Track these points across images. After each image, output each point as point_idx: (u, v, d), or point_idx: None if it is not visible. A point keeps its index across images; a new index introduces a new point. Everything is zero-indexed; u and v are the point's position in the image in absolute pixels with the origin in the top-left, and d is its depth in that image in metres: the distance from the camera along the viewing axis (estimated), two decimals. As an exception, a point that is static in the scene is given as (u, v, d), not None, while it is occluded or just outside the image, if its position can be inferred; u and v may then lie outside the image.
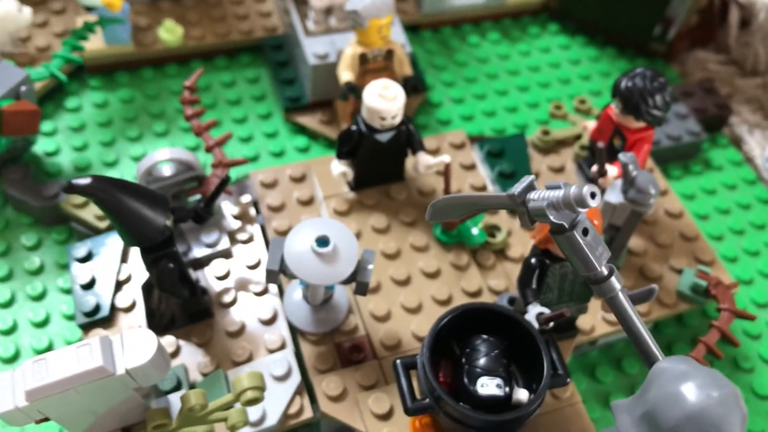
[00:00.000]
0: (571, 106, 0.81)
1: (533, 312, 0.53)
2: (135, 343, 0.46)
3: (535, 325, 0.52)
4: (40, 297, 0.65)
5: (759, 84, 0.88)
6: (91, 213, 0.67)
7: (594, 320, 0.61)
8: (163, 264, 0.54)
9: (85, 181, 0.48)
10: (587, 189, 0.34)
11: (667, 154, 0.78)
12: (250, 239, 0.65)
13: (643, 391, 0.35)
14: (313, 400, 0.57)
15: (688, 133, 0.79)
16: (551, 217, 0.36)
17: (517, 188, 0.37)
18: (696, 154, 0.81)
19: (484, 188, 0.70)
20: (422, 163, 0.64)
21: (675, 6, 0.84)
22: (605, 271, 0.37)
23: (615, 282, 0.38)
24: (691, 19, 0.86)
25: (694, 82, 0.84)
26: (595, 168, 0.62)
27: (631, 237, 0.63)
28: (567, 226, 0.36)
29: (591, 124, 0.68)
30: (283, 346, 0.59)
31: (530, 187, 0.37)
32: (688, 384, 0.33)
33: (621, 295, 0.38)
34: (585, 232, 0.36)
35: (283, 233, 0.65)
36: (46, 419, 0.47)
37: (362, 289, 0.55)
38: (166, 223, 0.52)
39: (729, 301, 0.62)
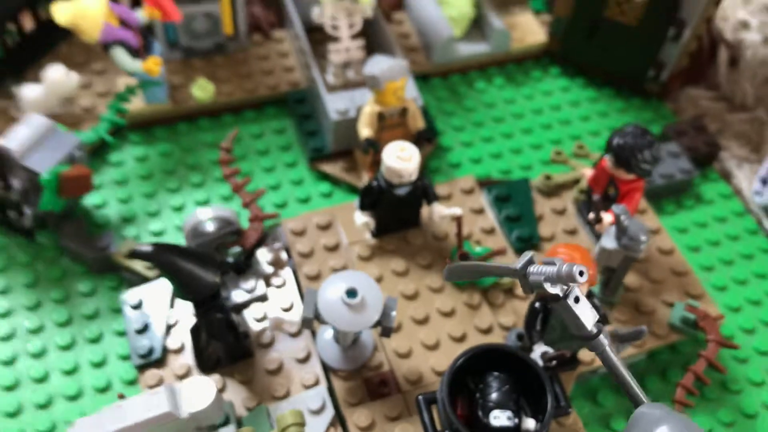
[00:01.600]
0: (570, 148, 0.88)
1: (538, 351, 0.60)
2: (196, 389, 0.54)
3: (540, 363, 0.60)
4: (96, 340, 0.73)
5: (747, 119, 0.95)
6: (140, 263, 0.75)
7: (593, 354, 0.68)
8: (212, 315, 0.62)
9: (146, 248, 0.56)
10: (576, 268, 0.41)
11: (661, 191, 0.85)
12: (283, 284, 0.73)
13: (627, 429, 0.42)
14: (345, 431, 0.64)
15: (680, 170, 0.86)
16: (548, 289, 0.43)
17: (519, 263, 0.44)
18: (688, 189, 0.87)
19: (492, 230, 0.77)
20: (437, 214, 0.72)
21: (667, 51, 0.91)
22: (594, 331, 0.45)
23: (603, 339, 0.45)
24: (683, 61, 0.93)
25: (686, 122, 0.91)
26: (591, 215, 0.69)
27: (626, 276, 0.70)
28: (561, 296, 0.43)
29: (588, 171, 0.75)
30: (317, 383, 0.66)
31: (530, 262, 0.44)
32: (661, 428, 0.40)
33: (608, 350, 0.45)
34: (576, 300, 0.43)
35: (313, 278, 0.72)
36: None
37: (387, 333, 0.62)
38: (215, 279, 0.60)
39: (715, 333, 0.69)
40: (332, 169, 0.86)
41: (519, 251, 0.75)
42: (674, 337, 0.71)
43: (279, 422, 0.57)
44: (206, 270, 0.59)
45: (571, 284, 0.43)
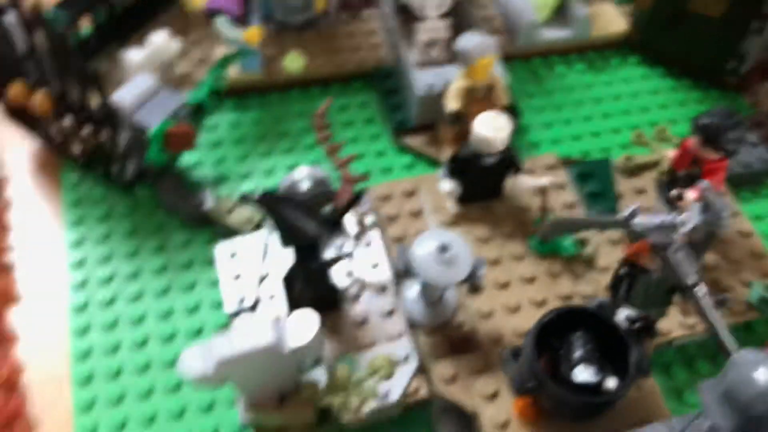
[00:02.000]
0: (650, 132, 0.90)
1: (623, 314, 0.63)
2: (299, 323, 0.57)
3: (625, 325, 0.62)
4: (190, 287, 0.77)
5: (826, 115, 0.96)
6: (234, 218, 0.79)
7: (671, 324, 0.70)
8: (310, 262, 0.65)
9: (259, 195, 0.60)
10: (680, 218, 0.44)
11: (739, 180, 0.86)
12: (369, 244, 0.76)
13: (723, 375, 0.44)
14: (428, 383, 0.67)
15: (758, 160, 0.87)
16: (651, 237, 0.46)
17: (624, 214, 0.47)
18: (765, 179, 0.89)
19: (574, 205, 0.79)
20: (524, 184, 0.74)
21: (748, 44, 0.92)
22: (693, 279, 0.47)
23: (702, 288, 0.47)
24: (763, 55, 0.94)
25: (763, 113, 0.92)
26: (674, 192, 0.71)
27: (706, 253, 0.72)
28: (664, 246, 0.46)
29: (671, 153, 0.77)
30: (401, 335, 0.70)
31: (634, 214, 0.47)
32: (761, 369, 0.42)
33: (707, 298, 0.47)
34: (678, 250, 0.46)
35: (398, 240, 0.76)
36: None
37: (476, 289, 0.65)
38: (315, 230, 0.63)
39: (791, 313, 0.70)
40: (415, 142, 0.89)
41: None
42: (751, 315, 0.72)
43: (370, 364, 0.60)
44: (308, 220, 0.63)
45: (674, 236, 0.45)
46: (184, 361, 0.56)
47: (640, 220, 0.46)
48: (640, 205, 0.72)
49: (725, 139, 0.69)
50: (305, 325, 0.57)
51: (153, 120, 0.76)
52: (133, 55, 0.88)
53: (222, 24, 0.82)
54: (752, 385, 0.42)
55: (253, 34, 0.84)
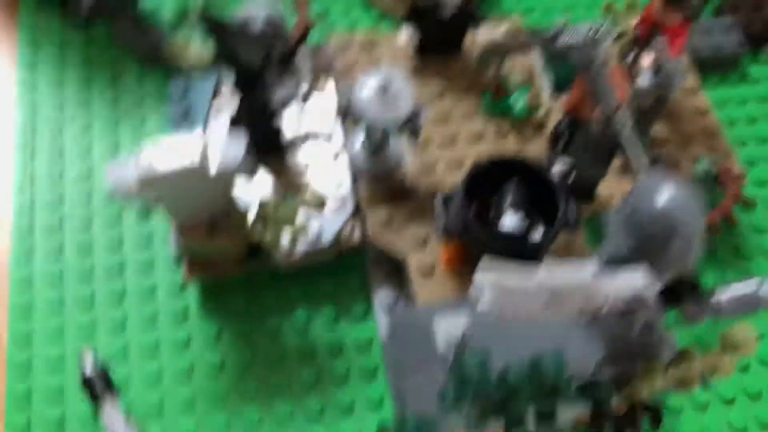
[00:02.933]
0: (622, 3, 0.88)
1: (557, 168, 0.62)
2: (227, 146, 0.57)
3: (557, 178, 0.62)
4: (141, 123, 0.77)
5: (809, 7, 0.93)
6: (191, 55, 0.77)
7: (611, 190, 0.70)
8: (254, 93, 0.65)
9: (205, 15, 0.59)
10: (603, 28, 0.43)
11: (707, 63, 0.85)
12: (322, 92, 0.75)
13: (627, 198, 0.44)
14: (363, 230, 0.67)
15: (729, 44, 0.85)
16: (574, 55, 0.45)
17: (550, 32, 0.46)
18: (735, 66, 0.87)
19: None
20: (483, 34, 0.72)
21: None
22: (616, 102, 0.46)
23: (625, 113, 0.46)
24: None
25: (744, -1, 0.89)
26: (631, 56, 0.69)
27: (654, 125, 0.71)
28: (587, 64, 0.45)
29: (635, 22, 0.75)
30: (342, 182, 0.69)
31: (560, 31, 0.46)
32: (661, 189, 0.42)
33: (627, 123, 0.46)
34: (602, 66, 0.45)
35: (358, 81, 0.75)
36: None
37: (416, 132, 0.64)
38: (261, 57, 0.62)
39: (734, 188, 0.70)
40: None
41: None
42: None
43: (300, 197, 0.60)
44: (254, 48, 0.62)
45: (598, 53, 0.44)
46: (110, 172, 0.56)
47: (564, 38, 0.45)
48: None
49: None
50: (232, 147, 0.56)
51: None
52: None
53: None
54: (651, 204, 0.42)
55: None
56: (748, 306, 0.43)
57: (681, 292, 0.44)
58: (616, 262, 0.44)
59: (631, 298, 0.40)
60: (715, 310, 0.43)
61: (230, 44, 0.60)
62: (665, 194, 0.41)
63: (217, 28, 0.59)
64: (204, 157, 0.56)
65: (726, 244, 0.75)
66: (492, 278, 0.36)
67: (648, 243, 0.41)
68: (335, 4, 0.88)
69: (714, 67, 0.86)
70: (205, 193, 0.59)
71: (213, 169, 0.56)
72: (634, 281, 0.39)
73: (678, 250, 0.41)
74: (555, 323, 0.43)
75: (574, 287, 0.38)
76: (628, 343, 0.47)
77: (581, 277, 0.37)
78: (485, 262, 0.36)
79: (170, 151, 0.56)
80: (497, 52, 0.51)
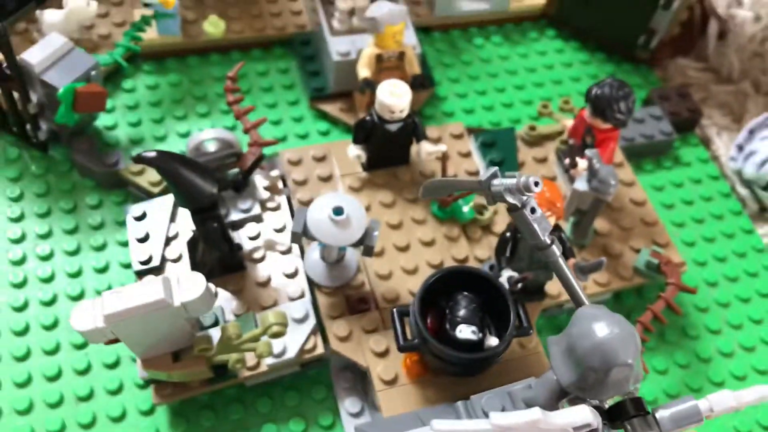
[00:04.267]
0: (556, 103, 0.93)
1: (506, 275, 0.66)
2: (188, 282, 0.59)
3: (507, 286, 0.65)
4: (101, 248, 0.78)
5: (731, 91, 0.99)
6: (145, 180, 0.80)
7: (560, 287, 0.73)
8: (209, 223, 0.67)
9: (151, 154, 0.61)
10: (532, 179, 0.46)
11: (641, 150, 0.90)
12: (277, 207, 0.78)
13: (567, 329, 0.47)
14: (325, 341, 0.69)
15: (661, 132, 0.90)
16: (508, 199, 0.48)
17: (484, 176, 0.49)
18: (668, 151, 0.92)
19: (477, 173, 0.82)
20: (424, 150, 0.77)
21: (658, 18, 0.95)
22: (548, 241, 0.50)
23: (555, 249, 0.50)
24: (673, 30, 0.97)
25: (671, 88, 0.95)
26: (567, 161, 0.74)
27: (596, 219, 0.75)
28: (519, 206, 0.48)
29: (570, 123, 0.80)
30: (302, 296, 0.72)
31: (494, 176, 0.49)
32: (598, 323, 0.45)
33: (559, 260, 0.50)
34: (533, 210, 0.49)
35: (306, 203, 0.77)
36: (116, 341, 0.61)
37: (369, 251, 0.67)
38: (213, 190, 0.65)
39: (675, 277, 0.74)
40: (331, 108, 0.91)
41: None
42: (638, 281, 0.76)
43: (263, 321, 0.62)
44: (205, 180, 0.64)
45: (528, 196, 0.48)
46: (75, 315, 0.57)
47: (498, 182, 0.48)
48: (541, 174, 0.75)
49: (616, 109, 0.72)
50: (193, 284, 0.58)
51: (62, 80, 0.77)
52: (50, 16, 0.88)
53: (136, -15, 0.83)
54: (589, 337, 0.45)
55: (169, -3, 0.84)
56: (689, 421, 0.46)
57: (626, 410, 0.47)
58: (561, 390, 0.47)
59: (579, 428, 0.43)
60: (659, 426, 0.46)
61: (177, 174, 0.63)
62: (600, 329, 0.44)
63: (166, 162, 0.62)
64: (168, 294, 0.58)
65: (673, 326, 0.79)
66: (442, 428, 0.38)
67: (588, 374, 0.44)
68: (287, 113, 0.91)
69: (649, 153, 0.91)
70: (169, 328, 0.60)
71: (176, 304, 0.58)
72: (581, 415, 0.42)
73: (617, 379, 0.44)
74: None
75: (525, 424, 0.40)
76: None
77: (532, 415, 0.40)
78: (435, 422, 0.39)
79: (134, 290, 0.58)
80: (439, 189, 0.54)
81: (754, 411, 0.75)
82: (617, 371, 0.44)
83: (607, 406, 0.47)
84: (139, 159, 0.61)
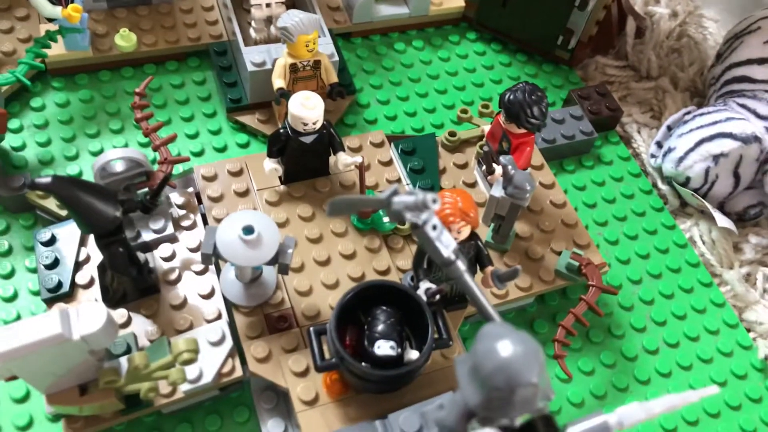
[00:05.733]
0: (476, 108, 0.93)
1: (423, 287, 0.64)
2: (88, 314, 0.56)
3: (424, 298, 0.64)
4: (9, 276, 0.75)
5: (650, 87, 1.00)
6: (53, 203, 0.77)
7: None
8: (114, 248, 0.65)
9: (45, 180, 0.58)
10: (430, 196, 0.45)
11: (562, 151, 0.90)
12: (193, 225, 0.75)
13: (472, 348, 0.46)
14: (244, 362, 0.67)
15: (581, 132, 0.90)
16: (407, 216, 0.47)
17: (384, 194, 0.48)
18: (589, 150, 0.93)
19: (399, 181, 0.81)
20: (341, 162, 0.75)
21: (575, 19, 0.95)
22: (452, 257, 0.49)
23: (460, 265, 0.49)
24: (591, 29, 0.97)
25: (590, 87, 0.96)
26: (484, 168, 0.73)
27: (516, 223, 0.75)
28: (420, 224, 0.47)
29: (488, 127, 0.79)
30: (219, 317, 0.70)
31: (394, 193, 0.48)
32: (501, 342, 0.44)
33: (465, 276, 0.49)
34: (434, 227, 0.47)
35: (221, 220, 0.75)
36: (15, 378, 0.58)
37: (284, 269, 0.66)
38: (115, 214, 0.62)
39: (596, 279, 0.74)
40: (249, 120, 0.89)
41: (421, 201, 0.79)
42: (560, 283, 0.76)
43: (173, 349, 0.60)
44: (106, 204, 0.61)
45: (428, 213, 0.47)
46: (-34, 355, 0.54)
47: (398, 200, 0.47)
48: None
49: (529, 114, 0.71)
50: (93, 315, 0.56)
51: (-42, 103, 0.73)
52: (-52, 34, 0.84)
53: (37, 0, 0.79)
54: (493, 357, 0.44)
55: (72, 10, 0.81)
56: None
57: (536, 429, 0.46)
58: (470, 410, 0.46)
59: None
60: None
61: (75, 199, 0.60)
62: (503, 348, 0.43)
63: (63, 188, 0.59)
64: (66, 328, 0.55)
65: (598, 326, 0.79)
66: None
67: (493, 394, 0.44)
68: (204, 126, 0.89)
69: (570, 153, 0.91)
70: (71, 362, 0.58)
71: (76, 338, 0.56)
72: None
73: (523, 398, 0.43)
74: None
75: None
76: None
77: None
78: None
79: (28, 325, 0.55)
80: (344, 208, 0.53)
81: (758, 408, 0.76)
82: (522, 390, 0.43)
83: (517, 424, 0.47)
84: (33, 185, 0.58)
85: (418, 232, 0.48)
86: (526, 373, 0.43)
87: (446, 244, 0.48)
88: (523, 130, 0.73)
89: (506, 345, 0.44)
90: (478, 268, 0.67)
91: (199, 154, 0.87)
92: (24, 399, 0.68)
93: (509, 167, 0.68)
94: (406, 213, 0.47)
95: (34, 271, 0.75)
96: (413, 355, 0.62)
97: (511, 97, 0.71)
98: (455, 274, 0.49)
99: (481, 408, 0.45)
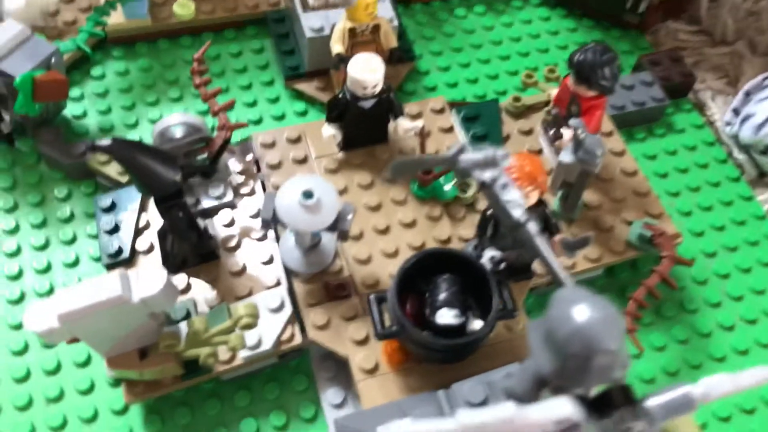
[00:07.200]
0: (541, 73, 0.89)
1: (488, 255, 0.62)
2: (148, 277, 0.56)
3: (489, 266, 0.62)
4: (70, 242, 0.75)
5: (725, 53, 0.95)
6: (114, 169, 0.77)
7: (549, 265, 0.70)
8: (175, 212, 0.64)
9: (106, 142, 0.57)
10: (500, 152, 0.43)
11: (632, 118, 0.86)
12: (252, 192, 0.74)
13: (547, 313, 0.43)
14: (303, 330, 0.66)
15: (652, 99, 0.86)
16: (476, 175, 0.44)
17: (451, 151, 0.46)
18: (660, 118, 0.88)
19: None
20: (400, 127, 0.73)
21: (646, -20, 0.91)
22: (522, 219, 0.46)
23: (530, 228, 0.46)
24: (663, -7, 0.93)
25: (661, 53, 0.91)
26: (552, 132, 0.70)
27: (584, 192, 0.72)
28: (488, 182, 0.45)
29: (555, 92, 0.76)
30: (278, 284, 0.69)
31: (461, 151, 0.46)
32: (578, 306, 0.41)
33: (535, 239, 0.46)
34: (503, 187, 0.45)
35: (279, 188, 0.74)
36: (77, 340, 0.58)
37: (343, 236, 0.64)
38: (175, 177, 0.61)
39: (670, 249, 0.70)
40: (307, 87, 0.87)
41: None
42: (630, 254, 0.73)
43: (233, 314, 0.59)
44: (166, 167, 0.61)
45: (498, 171, 0.44)
46: (28, 315, 0.54)
47: (466, 157, 0.45)
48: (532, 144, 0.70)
49: (600, 75, 0.68)
50: (153, 278, 0.55)
51: (20, 68, 0.73)
52: (11, 3, 0.84)
53: (97, -32, 0.79)
54: (569, 322, 0.41)
55: (131, -22, 0.80)
56: (682, 410, 0.43)
57: (612, 400, 0.44)
58: (542, 379, 0.44)
59: (560, 422, 0.40)
60: (649, 416, 0.43)
61: (135, 161, 0.59)
62: (580, 313, 0.41)
63: (123, 150, 0.58)
64: (126, 290, 0.55)
65: (670, 300, 0.75)
66: (406, 430, 0.35)
67: (569, 362, 0.41)
68: (262, 94, 0.88)
69: (640, 121, 0.87)
70: (131, 325, 0.57)
71: (135, 300, 0.55)
72: (561, 408, 0.39)
73: (600, 367, 0.41)
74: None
75: (497, 422, 0.37)
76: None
77: (504, 412, 0.37)
78: (395, 425, 0.35)
79: (89, 287, 0.54)
80: (407, 168, 0.51)
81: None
82: (600, 358, 0.40)
83: (592, 394, 0.44)
84: (94, 148, 0.58)
85: (487, 192, 0.45)
86: (605, 339, 0.40)
87: (516, 205, 0.46)
88: (593, 93, 0.69)
89: (583, 309, 0.41)
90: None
91: (257, 122, 0.86)
92: (85, 363, 0.68)
93: (579, 131, 0.65)
94: (474, 171, 0.44)
95: (94, 237, 0.76)
96: (476, 325, 0.60)
97: (581, 57, 0.68)
98: (525, 236, 0.46)
99: (555, 376, 0.42)
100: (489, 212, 0.63)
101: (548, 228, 0.63)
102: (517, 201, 0.45)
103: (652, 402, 0.43)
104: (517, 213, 0.46)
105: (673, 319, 0.75)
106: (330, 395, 0.67)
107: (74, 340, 0.57)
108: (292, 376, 0.69)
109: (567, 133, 0.69)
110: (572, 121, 0.65)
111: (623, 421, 0.43)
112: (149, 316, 0.57)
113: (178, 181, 0.62)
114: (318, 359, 0.69)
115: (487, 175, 0.44)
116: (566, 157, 0.67)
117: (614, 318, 0.42)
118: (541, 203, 0.63)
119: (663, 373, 0.72)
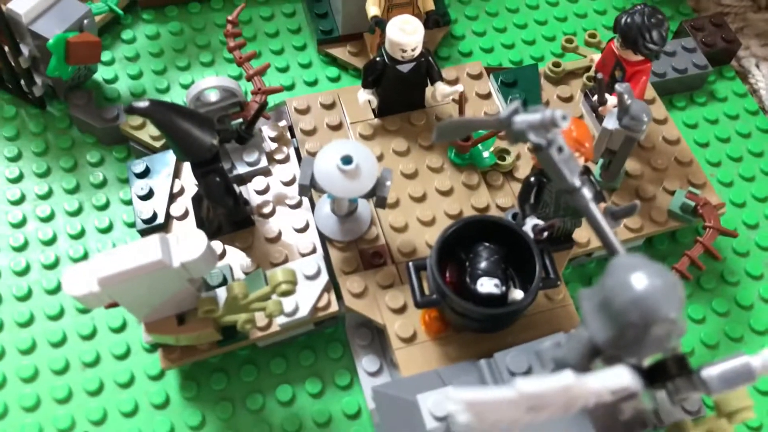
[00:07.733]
0: (581, 38, 0.87)
1: (530, 224, 0.61)
2: (188, 241, 0.55)
3: (531, 235, 0.60)
4: (104, 207, 0.75)
5: (771, 18, 0.92)
6: (146, 134, 0.76)
7: (590, 234, 0.69)
8: (211, 177, 0.63)
9: (143, 104, 0.56)
10: (559, 112, 0.41)
11: (673, 86, 0.84)
12: (286, 159, 0.73)
13: (602, 281, 0.42)
14: (339, 297, 0.65)
15: (694, 65, 0.84)
16: (531, 137, 0.43)
17: (505, 112, 0.44)
18: (701, 85, 0.86)
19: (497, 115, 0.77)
20: (439, 92, 0.71)
21: (690, -58, 0.88)
22: (577, 184, 0.45)
23: (586, 192, 0.45)
24: (707, -45, 0.90)
25: (704, 18, 0.88)
26: (595, 98, 0.68)
27: (627, 160, 0.70)
28: (545, 145, 0.43)
29: (597, 57, 0.74)
30: (314, 251, 0.68)
31: (515, 112, 0.44)
32: (636, 274, 0.40)
33: (591, 204, 0.45)
34: (560, 150, 0.43)
35: (314, 154, 0.73)
36: (115, 304, 0.57)
37: (381, 203, 0.63)
38: (212, 141, 0.60)
39: (714, 220, 0.68)
40: (340, 52, 0.85)
41: (522, 137, 0.75)
42: (672, 224, 0.71)
43: (271, 280, 0.58)
44: (203, 131, 0.59)
45: (554, 133, 0.43)
46: (67, 279, 0.54)
47: (521, 118, 0.43)
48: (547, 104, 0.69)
49: (648, 38, 0.65)
50: (193, 243, 0.54)
51: (52, 29, 0.72)
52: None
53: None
54: (627, 290, 0.40)
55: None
56: (741, 380, 0.42)
57: (668, 370, 0.43)
58: (595, 348, 0.43)
59: (617, 392, 0.39)
60: (706, 387, 0.42)
61: (173, 124, 0.58)
62: (639, 281, 0.39)
63: (161, 113, 0.57)
64: (166, 254, 0.54)
65: (710, 272, 0.74)
66: (464, 398, 0.34)
67: (626, 331, 0.40)
68: (294, 59, 0.86)
69: (681, 89, 0.85)
70: (170, 290, 0.57)
71: (176, 265, 0.54)
72: (619, 377, 0.38)
73: (658, 336, 0.40)
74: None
75: (555, 391, 0.36)
76: (617, 420, 0.46)
77: (562, 381, 0.36)
78: (453, 391, 0.35)
79: (129, 251, 0.54)
80: (455, 130, 0.49)
81: None
82: (659, 327, 0.39)
83: (645, 364, 0.43)
84: (131, 110, 0.57)
85: (542, 155, 0.44)
86: (665, 307, 0.39)
87: (572, 169, 0.44)
88: (639, 57, 0.67)
89: (642, 277, 0.40)
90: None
91: (289, 87, 0.84)
92: (121, 329, 0.68)
93: (626, 96, 0.63)
94: (529, 133, 0.43)
95: (128, 203, 0.75)
96: (518, 294, 0.59)
97: (629, 20, 0.66)
98: (580, 202, 0.45)
99: (610, 345, 0.41)
100: (532, 179, 0.62)
101: (593, 196, 0.61)
102: (572, 165, 0.44)
103: (709, 372, 0.42)
104: (572, 177, 0.44)
105: (713, 291, 0.73)
106: (365, 363, 0.66)
107: (113, 304, 0.57)
108: (327, 343, 0.68)
109: (611, 99, 0.67)
110: (619, 86, 0.63)
111: (679, 392, 0.42)
112: (188, 281, 0.56)
113: (215, 145, 0.61)
114: (353, 327, 0.68)
115: (542, 137, 0.43)
116: (611, 123, 0.66)
117: (674, 285, 0.40)
118: (585, 170, 0.61)
119: (702, 346, 0.70)
